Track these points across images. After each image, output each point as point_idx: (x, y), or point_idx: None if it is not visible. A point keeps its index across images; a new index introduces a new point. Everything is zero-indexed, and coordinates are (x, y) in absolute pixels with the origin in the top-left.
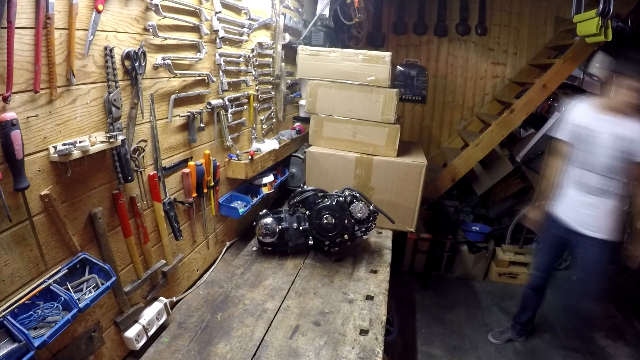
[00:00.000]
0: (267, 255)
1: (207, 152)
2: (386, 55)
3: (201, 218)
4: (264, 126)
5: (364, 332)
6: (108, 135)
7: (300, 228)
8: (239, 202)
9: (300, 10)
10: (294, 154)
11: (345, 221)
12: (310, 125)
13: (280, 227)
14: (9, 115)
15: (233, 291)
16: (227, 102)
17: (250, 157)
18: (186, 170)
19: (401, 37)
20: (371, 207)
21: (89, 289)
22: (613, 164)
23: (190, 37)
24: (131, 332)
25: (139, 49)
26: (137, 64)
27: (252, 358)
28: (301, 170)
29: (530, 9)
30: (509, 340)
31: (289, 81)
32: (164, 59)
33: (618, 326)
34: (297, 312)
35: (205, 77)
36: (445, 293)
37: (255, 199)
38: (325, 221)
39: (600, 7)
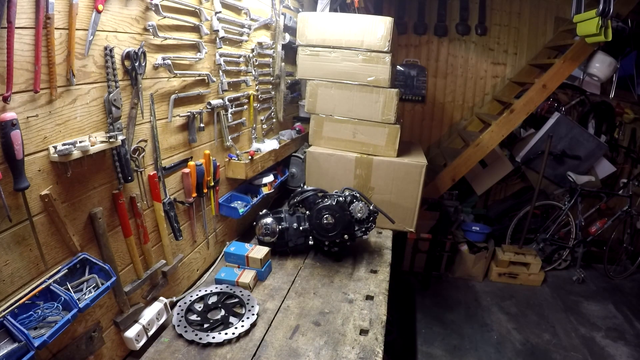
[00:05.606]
0: None
1: (207, 152)
2: (386, 55)
3: (201, 218)
4: (264, 126)
5: (364, 332)
6: (108, 135)
7: (300, 228)
8: (239, 202)
9: (300, 10)
10: (294, 154)
11: (346, 221)
12: (310, 125)
13: (280, 227)
14: (9, 115)
15: None
16: (227, 102)
17: (250, 157)
18: (186, 170)
19: (401, 37)
20: (371, 207)
21: (89, 289)
22: None
23: (190, 37)
24: (131, 332)
25: (139, 49)
26: (137, 64)
27: (252, 358)
28: (301, 170)
29: (530, 9)
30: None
31: (289, 81)
32: (164, 59)
33: (618, 326)
34: (297, 312)
35: (205, 77)
36: (445, 293)
37: (255, 199)
38: (325, 221)
39: (600, 7)
